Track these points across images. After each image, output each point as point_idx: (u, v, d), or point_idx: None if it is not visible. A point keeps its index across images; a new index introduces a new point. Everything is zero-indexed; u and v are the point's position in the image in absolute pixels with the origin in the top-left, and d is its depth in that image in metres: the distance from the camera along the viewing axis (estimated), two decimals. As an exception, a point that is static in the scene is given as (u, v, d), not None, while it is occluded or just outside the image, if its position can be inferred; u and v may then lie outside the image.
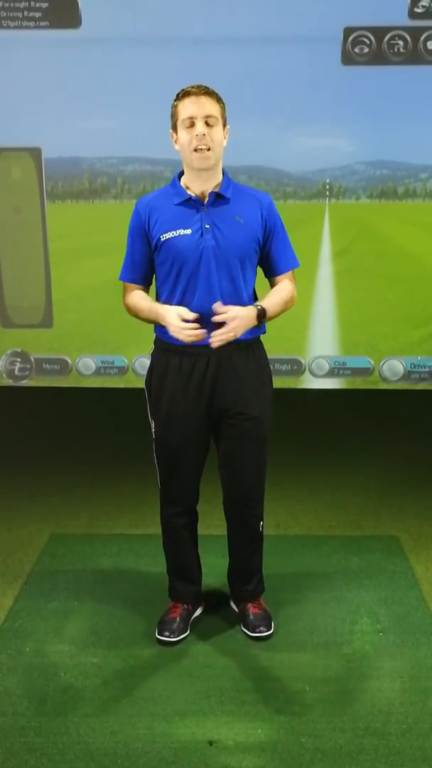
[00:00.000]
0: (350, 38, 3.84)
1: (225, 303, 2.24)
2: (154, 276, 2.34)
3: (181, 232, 2.21)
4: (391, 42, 3.84)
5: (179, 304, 2.25)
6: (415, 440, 4.22)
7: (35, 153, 4.06)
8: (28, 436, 4.31)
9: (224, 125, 2.21)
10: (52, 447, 4.19)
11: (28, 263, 4.22)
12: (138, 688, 2.27)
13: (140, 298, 2.32)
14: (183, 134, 2.16)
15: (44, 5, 3.85)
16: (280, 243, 2.31)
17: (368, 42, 3.84)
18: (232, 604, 2.65)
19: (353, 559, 3.01)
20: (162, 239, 2.23)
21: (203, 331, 2.16)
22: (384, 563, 2.98)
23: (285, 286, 2.33)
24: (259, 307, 2.22)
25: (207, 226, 2.20)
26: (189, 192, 2.24)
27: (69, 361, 4.37)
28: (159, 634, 2.49)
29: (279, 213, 2.32)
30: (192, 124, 2.14)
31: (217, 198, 2.23)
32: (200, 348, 2.26)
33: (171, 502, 2.49)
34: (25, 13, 3.86)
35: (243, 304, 2.28)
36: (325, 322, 4.27)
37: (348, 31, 3.82)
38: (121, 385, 4.36)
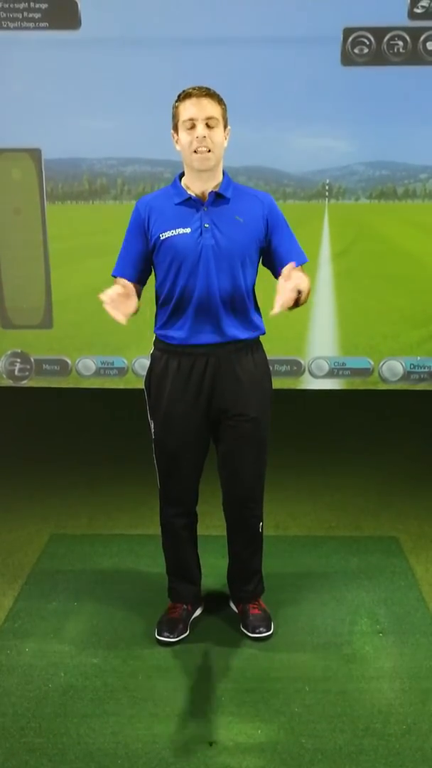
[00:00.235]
0: (350, 39, 3.84)
1: (224, 302, 2.24)
2: (154, 276, 2.34)
3: (181, 231, 2.21)
4: (391, 42, 3.84)
5: (178, 302, 2.26)
6: (414, 441, 4.22)
7: (35, 154, 4.07)
8: (28, 436, 4.32)
9: (225, 126, 2.21)
10: (52, 447, 4.20)
11: (28, 264, 4.23)
12: (138, 688, 2.27)
13: None
14: (184, 135, 2.16)
15: (44, 6, 3.86)
16: (287, 240, 2.29)
17: (368, 42, 3.84)
18: (232, 605, 2.65)
19: (353, 560, 3.02)
20: (161, 238, 2.23)
21: (108, 295, 2.06)
22: (384, 564, 2.99)
23: (305, 279, 2.19)
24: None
25: (206, 226, 2.21)
26: (189, 192, 2.24)
27: (69, 361, 4.37)
28: (159, 635, 2.50)
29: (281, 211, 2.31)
30: (193, 126, 2.14)
31: (217, 198, 2.23)
32: (200, 348, 2.27)
33: (170, 502, 2.50)
34: (25, 14, 3.86)
35: (243, 303, 2.28)
36: (324, 322, 4.28)
37: (348, 31, 3.83)
38: (121, 386, 4.36)
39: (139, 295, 2.29)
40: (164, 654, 2.44)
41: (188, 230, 2.21)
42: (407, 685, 2.28)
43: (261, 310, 2.37)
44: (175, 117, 2.19)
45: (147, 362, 2.42)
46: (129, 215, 2.31)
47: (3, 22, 3.87)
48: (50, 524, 3.34)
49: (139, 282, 2.32)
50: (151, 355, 2.39)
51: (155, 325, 2.36)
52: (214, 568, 2.73)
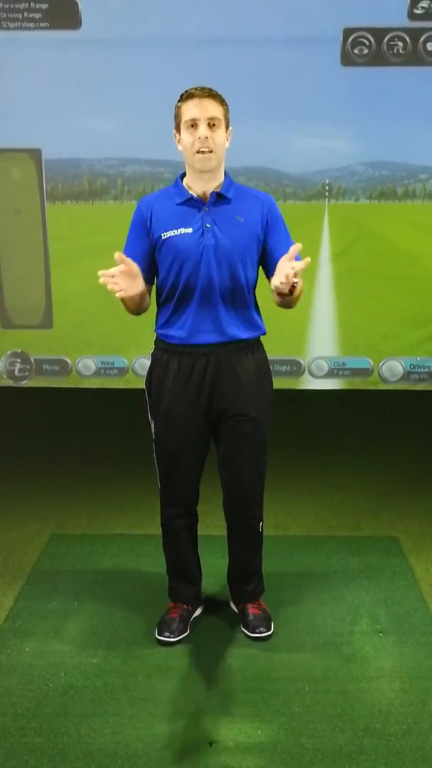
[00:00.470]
0: (350, 39, 3.84)
1: (224, 297, 2.24)
2: (155, 275, 2.34)
3: (182, 230, 2.22)
4: (391, 43, 3.84)
5: (179, 302, 2.26)
6: (414, 441, 4.22)
7: (35, 154, 4.07)
8: (28, 436, 4.32)
9: (227, 127, 2.21)
10: (52, 447, 4.20)
11: (28, 264, 4.23)
12: (138, 688, 2.27)
13: None
14: (186, 136, 2.17)
15: (44, 6, 3.86)
16: (283, 240, 2.28)
17: (368, 43, 3.84)
18: (232, 605, 2.66)
19: (353, 560, 3.02)
20: (163, 238, 2.23)
21: (110, 272, 2.03)
22: (384, 564, 2.99)
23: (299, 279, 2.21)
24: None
25: (207, 226, 2.21)
26: (191, 192, 2.24)
27: (69, 361, 4.37)
28: (159, 635, 2.50)
29: (281, 212, 2.32)
30: (195, 126, 2.14)
31: (219, 198, 2.23)
32: (200, 348, 2.27)
33: (171, 502, 2.50)
34: (25, 14, 3.86)
35: (244, 303, 2.29)
36: (324, 322, 4.28)
37: (347, 32, 3.83)
38: (121, 386, 4.36)
39: (148, 294, 2.30)
40: (164, 654, 2.44)
41: (190, 230, 2.21)
42: (407, 685, 2.29)
43: (261, 311, 2.37)
44: (177, 117, 2.20)
45: (147, 362, 2.42)
46: (129, 215, 2.31)
47: (3, 22, 3.88)
48: (50, 524, 3.35)
49: (146, 280, 2.31)
50: (152, 354, 2.40)
51: (156, 325, 2.36)
52: (214, 568, 2.73)
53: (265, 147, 4.01)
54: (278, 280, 2.07)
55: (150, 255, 2.28)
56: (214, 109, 2.15)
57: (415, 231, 4.28)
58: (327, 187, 4.10)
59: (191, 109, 2.14)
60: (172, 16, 3.83)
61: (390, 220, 4.23)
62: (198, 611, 2.64)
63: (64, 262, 4.25)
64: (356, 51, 3.86)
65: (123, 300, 2.19)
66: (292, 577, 2.88)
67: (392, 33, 3.83)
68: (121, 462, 3.91)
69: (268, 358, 2.42)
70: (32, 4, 3.85)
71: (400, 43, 3.84)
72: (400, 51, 3.85)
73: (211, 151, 2.15)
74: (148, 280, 2.31)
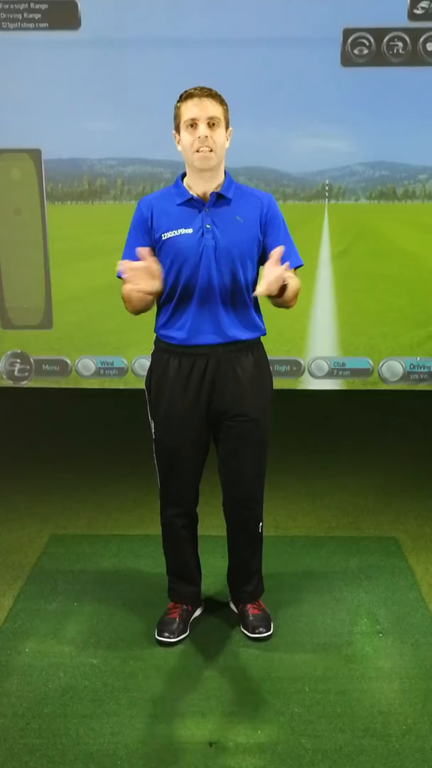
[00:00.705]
0: (349, 39, 3.84)
1: (224, 297, 2.24)
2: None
3: (182, 231, 2.22)
4: (391, 43, 3.84)
5: (178, 302, 2.26)
6: (414, 441, 4.22)
7: (35, 154, 4.06)
8: (28, 436, 4.32)
9: (227, 127, 2.21)
10: (52, 447, 4.20)
11: (28, 264, 4.23)
12: (138, 689, 2.27)
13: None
14: (186, 135, 2.17)
15: (44, 6, 3.85)
16: (281, 240, 2.27)
17: (367, 43, 3.84)
18: (232, 605, 2.66)
19: (353, 560, 3.02)
20: (163, 238, 2.23)
21: (135, 265, 2.06)
22: (383, 564, 2.99)
23: (294, 279, 2.22)
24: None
25: (208, 226, 2.21)
26: (191, 192, 2.24)
27: (69, 362, 4.37)
28: (159, 635, 2.50)
29: (281, 212, 2.31)
30: (195, 126, 2.14)
31: (219, 198, 2.23)
32: (200, 349, 2.27)
33: (171, 503, 2.50)
34: (25, 14, 3.86)
35: (244, 304, 2.28)
36: (324, 322, 4.28)
37: (347, 32, 3.83)
38: (121, 386, 4.36)
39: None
40: (164, 654, 2.44)
41: (190, 231, 2.21)
42: (407, 685, 2.29)
43: (261, 311, 2.37)
44: (177, 117, 2.20)
45: (147, 362, 2.43)
46: (129, 215, 2.31)
47: (3, 23, 3.87)
48: (50, 524, 3.35)
49: None
50: (152, 355, 2.40)
51: (156, 325, 2.36)
52: (214, 568, 2.73)
53: (265, 147, 4.00)
54: (260, 288, 2.06)
55: (153, 253, 2.28)
56: (213, 108, 2.15)
57: (415, 231, 4.28)
58: (327, 188, 4.10)
59: (191, 109, 2.14)
60: (172, 15, 3.83)
61: (390, 221, 4.23)
62: (198, 611, 2.64)
63: (64, 262, 4.24)
64: (356, 51, 3.86)
65: (131, 299, 2.19)
66: (291, 578, 2.88)
67: (392, 33, 3.83)
68: (121, 462, 3.91)
69: (268, 358, 2.42)
70: (32, 5, 3.85)
71: (400, 44, 3.84)
72: (400, 51, 3.85)
73: (211, 150, 2.15)
74: None
